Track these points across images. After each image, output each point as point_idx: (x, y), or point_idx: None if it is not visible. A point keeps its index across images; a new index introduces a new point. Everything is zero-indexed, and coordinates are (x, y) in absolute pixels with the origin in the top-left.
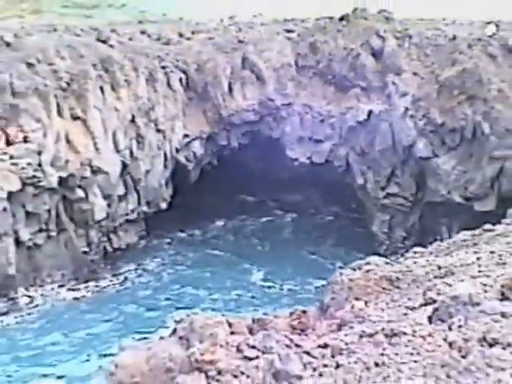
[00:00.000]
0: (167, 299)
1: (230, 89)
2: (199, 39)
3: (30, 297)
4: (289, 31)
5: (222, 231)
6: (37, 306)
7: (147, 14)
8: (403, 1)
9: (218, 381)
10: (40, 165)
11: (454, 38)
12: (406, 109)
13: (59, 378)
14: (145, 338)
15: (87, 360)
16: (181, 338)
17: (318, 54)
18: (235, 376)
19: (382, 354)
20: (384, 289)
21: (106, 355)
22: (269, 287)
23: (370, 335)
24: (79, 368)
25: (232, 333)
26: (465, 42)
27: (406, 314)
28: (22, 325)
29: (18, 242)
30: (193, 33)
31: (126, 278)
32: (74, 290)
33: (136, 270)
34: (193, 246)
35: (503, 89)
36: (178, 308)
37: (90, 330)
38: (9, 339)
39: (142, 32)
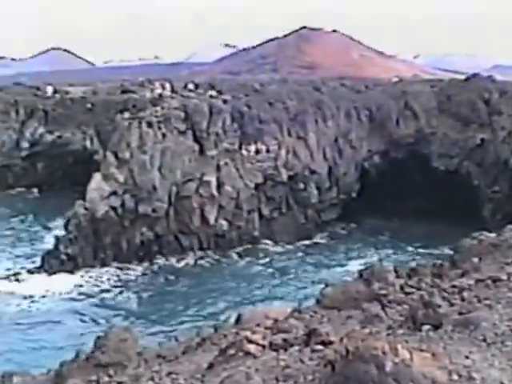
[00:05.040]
0: (347, 253)
1: (397, 121)
2: (378, 90)
3: (267, 247)
4: (432, 86)
5: (388, 215)
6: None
7: (345, 74)
8: None
9: (388, 307)
10: (276, 167)
11: None
12: (504, 137)
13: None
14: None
15: (303, 287)
16: (365, 279)
17: (451, 101)
18: (398, 304)
19: (489, 292)
20: (490, 251)
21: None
22: (418, 253)
23: (482, 280)
24: (294, 296)
25: (397, 276)
26: None
27: (502, 268)
28: (263, 260)
29: (260, 216)
30: (374, 85)
31: (330, 238)
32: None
33: (333, 232)
34: (371, 220)
35: None
36: (356, 259)
37: (305, 270)
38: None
39: (342, 84)
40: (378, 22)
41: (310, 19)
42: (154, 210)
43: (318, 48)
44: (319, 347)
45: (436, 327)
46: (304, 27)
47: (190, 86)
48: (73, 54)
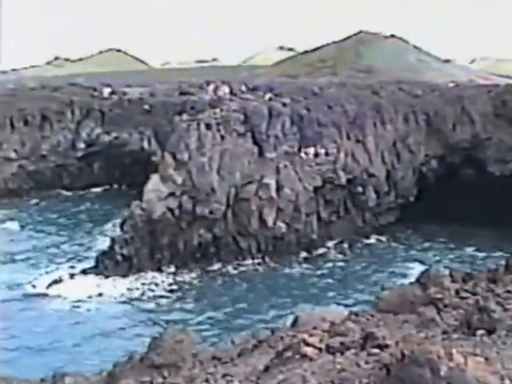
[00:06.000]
0: (404, 257)
1: (454, 126)
2: (435, 94)
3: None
4: (488, 91)
5: (445, 219)
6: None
7: (403, 78)
8: None
9: (443, 311)
10: (335, 170)
11: None
12: None
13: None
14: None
15: (360, 291)
16: (421, 283)
17: (506, 106)
18: (454, 308)
19: None
20: None
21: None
22: (474, 257)
23: None
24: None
25: (452, 281)
26: None
27: None
28: (319, 263)
29: (319, 219)
30: (431, 90)
31: (388, 242)
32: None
33: (390, 236)
34: (428, 223)
35: None
36: (414, 262)
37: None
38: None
39: (400, 88)
40: (434, 27)
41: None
42: (211, 212)
43: (376, 52)
44: (375, 351)
45: (490, 332)
46: (361, 31)
47: (243, 88)
48: (129, 55)
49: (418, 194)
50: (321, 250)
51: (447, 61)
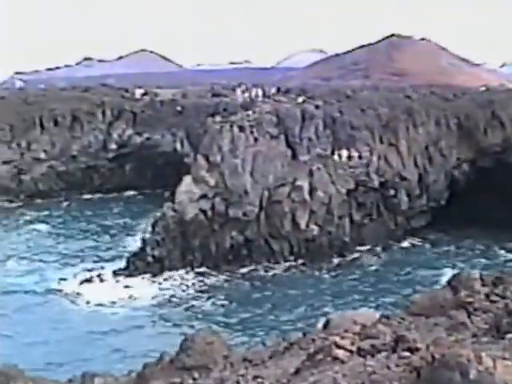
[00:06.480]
0: (436, 260)
1: (485, 130)
2: (466, 98)
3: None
4: None
5: (476, 223)
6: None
7: (435, 82)
8: None
9: (474, 315)
10: (368, 173)
11: None
12: None
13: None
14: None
15: (391, 294)
16: (452, 287)
17: None
18: (484, 312)
19: None
20: None
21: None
22: (505, 260)
23: None
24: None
25: (483, 284)
26: None
27: None
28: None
29: (351, 221)
30: (462, 94)
31: (419, 245)
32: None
33: (422, 239)
34: (459, 227)
35: None
36: (445, 266)
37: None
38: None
39: (431, 92)
40: (464, 31)
41: (397, 27)
42: (244, 214)
43: (408, 55)
44: (406, 354)
45: None
46: (393, 34)
47: (275, 91)
48: (161, 56)
49: (449, 198)
50: (355, 254)
51: (478, 64)
